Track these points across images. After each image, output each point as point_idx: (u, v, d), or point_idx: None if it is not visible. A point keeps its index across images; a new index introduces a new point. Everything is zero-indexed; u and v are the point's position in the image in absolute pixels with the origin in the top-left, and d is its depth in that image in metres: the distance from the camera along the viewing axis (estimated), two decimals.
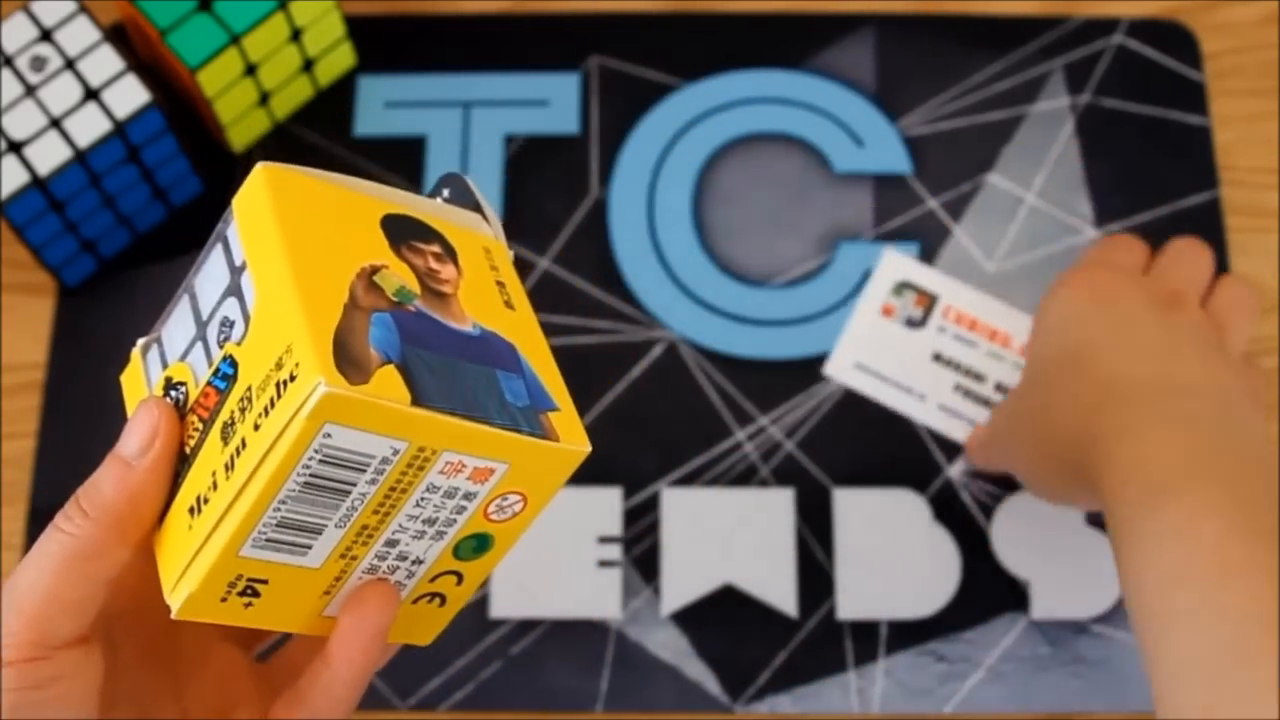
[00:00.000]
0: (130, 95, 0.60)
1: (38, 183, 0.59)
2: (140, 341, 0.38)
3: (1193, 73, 0.68)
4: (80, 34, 0.61)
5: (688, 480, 0.62)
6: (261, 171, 0.35)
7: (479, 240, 0.38)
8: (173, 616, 0.34)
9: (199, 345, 0.35)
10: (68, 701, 0.34)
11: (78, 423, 0.63)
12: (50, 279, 0.65)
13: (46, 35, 0.61)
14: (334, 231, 0.35)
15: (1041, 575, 0.60)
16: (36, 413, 0.63)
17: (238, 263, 0.35)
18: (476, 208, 0.39)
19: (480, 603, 0.60)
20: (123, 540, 0.34)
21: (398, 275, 0.35)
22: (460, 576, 0.37)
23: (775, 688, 0.59)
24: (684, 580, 0.60)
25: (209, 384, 0.34)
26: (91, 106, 0.60)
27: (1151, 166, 0.67)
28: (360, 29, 0.68)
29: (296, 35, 0.64)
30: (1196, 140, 0.67)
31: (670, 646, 0.59)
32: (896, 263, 0.62)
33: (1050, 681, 0.58)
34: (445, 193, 0.39)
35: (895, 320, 0.61)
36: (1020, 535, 0.60)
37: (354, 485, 0.33)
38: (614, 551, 0.61)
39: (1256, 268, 0.65)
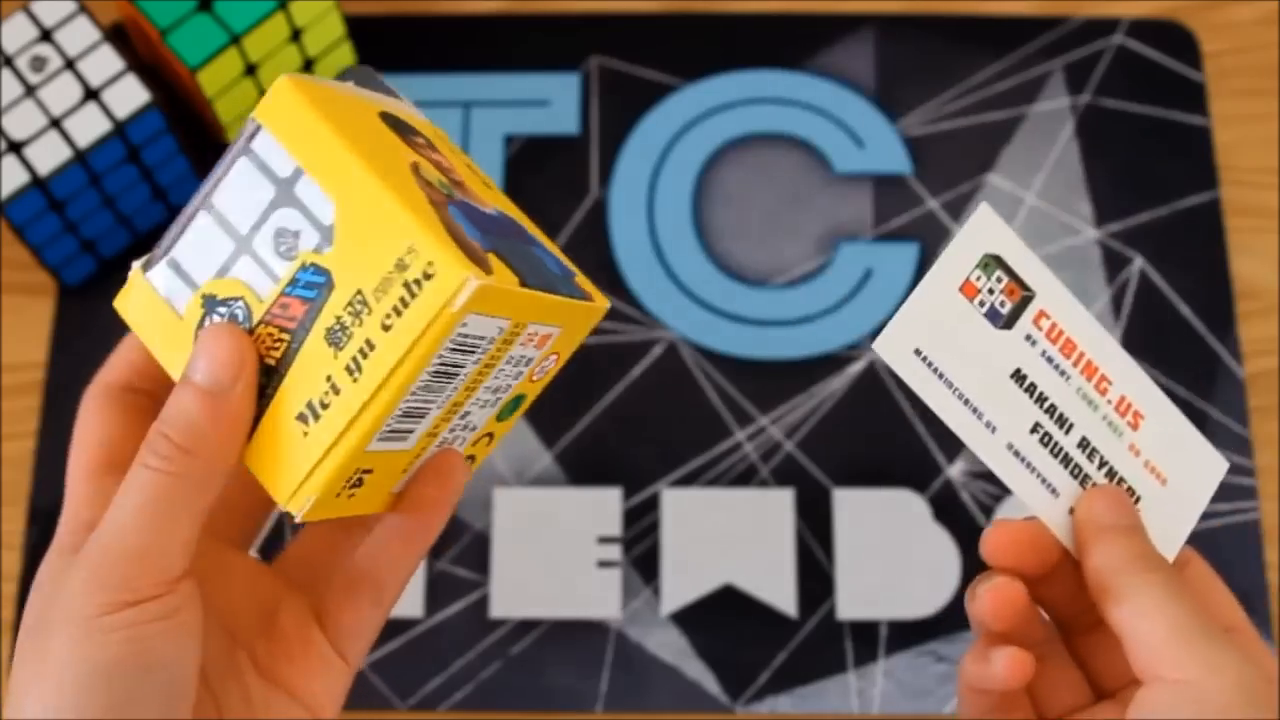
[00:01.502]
0: (130, 95, 0.60)
1: (38, 183, 0.59)
2: (137, 263, 0.38)
3: (1193, 73, 0.68)
4: (80, 34, 0.61)
5: (688, 480, 0.62)
6: (287, 81, 0.36)
7: (433, 128, 0.40)
8: (298, 520, 0.36)
9: (245, 259, 0.36)
10: (191, 627, 0.36)
11: None
12: (50, 279, 0.65)
13: (46, 35, 0.61)
14: (366, 131, 0.36)
15: None
16: (36, 413, 0.63)
17: (283, 174, 0.36)
18: (391, 93, 0.40)
19: (480, 603, 0.60)
20: (224, 471, 0.35)
21: (432, 168, 0.37)
22: (491, 436, 0.40)
23: (775, 688, 0.59)
24: (684, 580, 0.60)
25: (285, 294, 0.35)
26: (91, 106, 0.60)
27: (1151, 166, 0.67)
28: (360, 29, 0.68)
29: (296, 35, 0.64)
30: (1196, 140, 0.67)
31: (670, 646, 0.59)
32: (990, 226, 0.41)
33: None
34: (350, 82, 0.39)
35: (976, 306, 0.41)
36: None
37: (464, 367, 0.35)
38: (614, 551, 0.61)
39: (1256, 268, 0.65)
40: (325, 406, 0.35)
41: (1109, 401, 0.42)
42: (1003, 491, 0.61)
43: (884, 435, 0.62)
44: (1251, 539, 0.61)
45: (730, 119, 0.68)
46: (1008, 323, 0.41)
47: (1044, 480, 0.41)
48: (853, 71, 0.68)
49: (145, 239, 0.66)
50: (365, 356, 0.34)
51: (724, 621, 0.60)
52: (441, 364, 0.34)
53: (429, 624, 0.60)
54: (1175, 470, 0.42)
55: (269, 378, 0.35)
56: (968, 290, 0.41)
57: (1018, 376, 0.41)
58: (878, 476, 0.62)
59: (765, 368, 0.64)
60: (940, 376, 0.40)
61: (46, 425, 0.63)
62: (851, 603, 0.60)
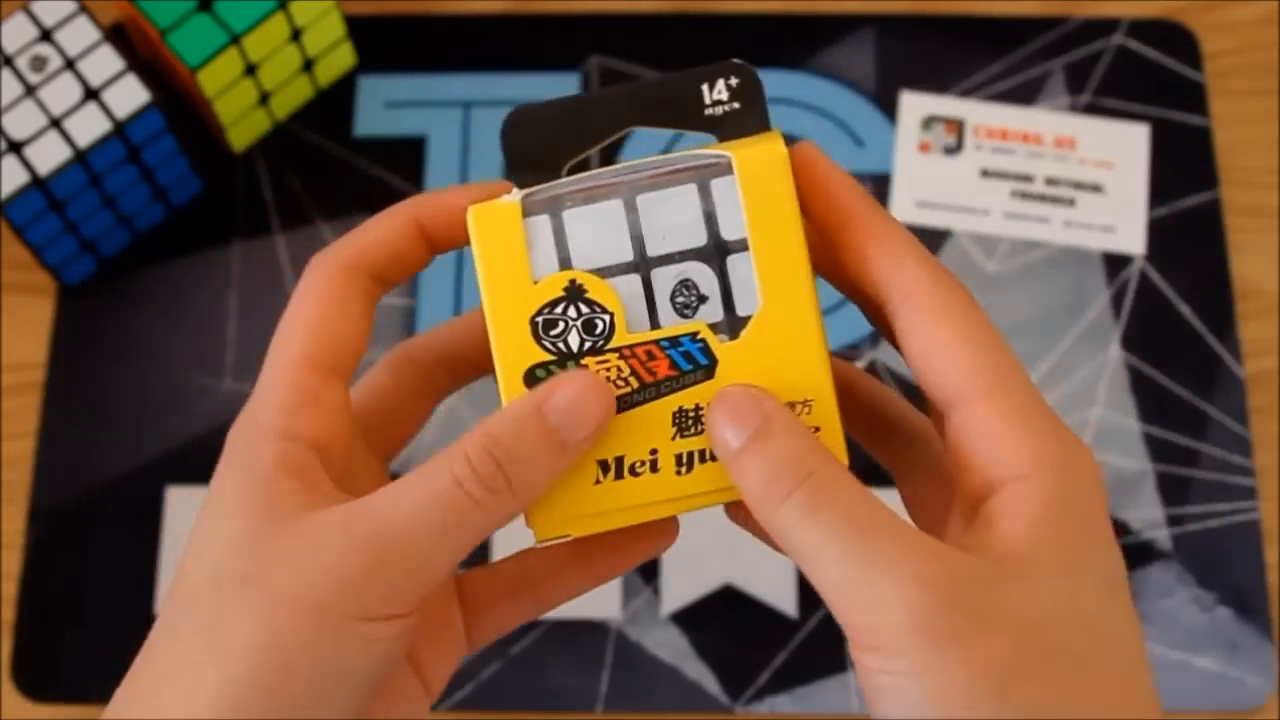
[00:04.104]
0: (130, 95, 0.60)
1: (38, 183, 0.59)
2: (520, 191, 0.34)
3: (1193, 73, 0.68)
4: (80, 34, 0.61)
5: None
6: (784, 150, 0.33)
7: None
8: (536, 545, 0.34)
9: (634, 279, 0.34)
10: (406, 647, 0.33)
11: (78, 423, 0.63)
12: (50, 279, 0.65)
13: (46, 35, 0.61)
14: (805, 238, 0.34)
15: None
16: (36, 413, 0.63)
17: (728, 235, 0.33)
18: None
19: None
20: (523, 511, 0.33)
21: None
22: None
23: (775, 688, 0.59)
24: (684, 580, 0.60)
25: (660, 348, 0.33)
26: (91, 106, 0.60)
27: (1151, 166, 0.67)
28: (360, 29, 0.68)
29: (296, 35, 0.64)
30: (1196, 140, 0.67)
31: (670, 646, 0.59)
32: (915, 102, 0.66)
33: None
34: (733, 81, 0.35)
35: (934, 153, 0.66)
36: None
37: None
38: None
39: (1256, 268, 0.65)
40: (635, 474, 0.33)
41: (1047, 144, 0.66)
42: None
43: None
44: (1251, 539, 0.61)
45: None
46: (959, 147, 0.66)
47: (1039, 220, 0.65)
48: (853, 71, 0.68)
49: (145, 239, 0.66)
50: (703, 461, 0.33)
51: (724, 621, 0.60)
52: None
53: None
54: (1117, 153, 0.66)
55: None
56: (923, 148, 0.67)
57: (984, 173, 0.66)
58: (878, 476, 0.61)
59: None
60: (940, 207, 0.65)
61: (46, 425, 0.63)
62: None
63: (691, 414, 0.33)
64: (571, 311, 0.33)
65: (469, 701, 0.59)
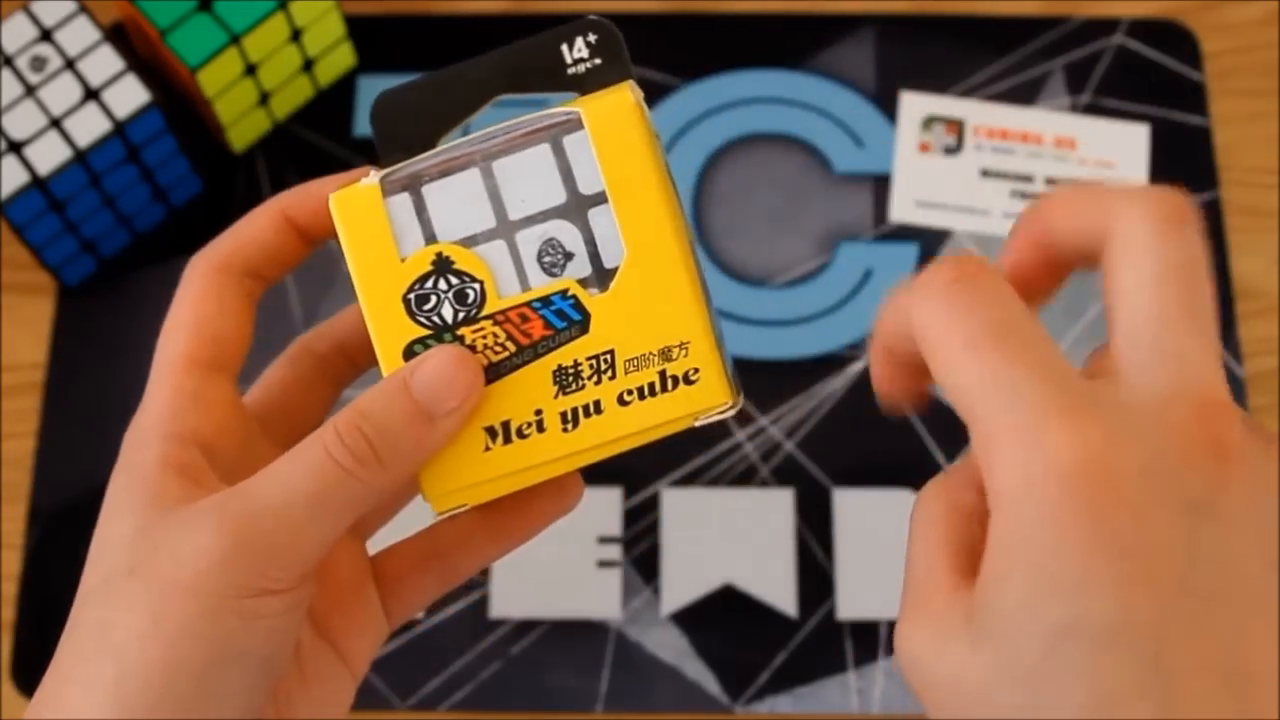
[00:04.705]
0: (130, 95, 0.60)
1: (38, 183, 0.59)
2: (378, 172, 0.34)
3: (1193, 73, 0.68)
4: (80, 34, 0.61)
5: (688, 480, 0.62)
6: (633, 101, 0.34)
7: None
8: (436, 519, 0.34)
9: (500, 245, 0.34)
10: (299, 625, 0.33)
11: (78, 423, 0.63)
12: (50, 279, 0.65)
13: (46, 35, 0.61)
14: (670, 185, 0.35)
15: None
16: (36, 413, 0.63)
17: (585, 190, 0.34)
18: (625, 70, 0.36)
19: (480, 603, 0.60)
20: (400, 484, 0.33)
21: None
22: None
23: (775, 688, 0.59)
24: (684, 580, 0.60)
25: (532, 309, 0.34)
26: (91, 106, 0.60)
27: (1151, 166, 0.67)
28: (360, 29, 0.68)
29: (296, 35, 0.64)
30: (1196, 140, 0.67)
31: (670, 646, 0.59)
32: (915, 102, 0.67)
33: None
34: (591, 38, 0.36)
35: (934, 153, 0.66)
36: None
37: None
38: (614, 552, 0.61)
39: (1256, 268, 0.65)
40: (523, 436, 0.33)
41: (1047, 144, 0.66)
42: None
43: (884, 435, 0.62)
44: None
45: (730, 119, 0.68)
46: (959, 147, 0.66)
47: None
48: (853, 71, 0.68)
49: (145, 239, 0.66)
50: (588, 415, 0.33)
51: (724, 621, 0.60)
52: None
53: (429, 624, 0.60)
54: (1117, 153, 0.66)
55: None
56: (923, 148, 0.66)
57: (984, 173, 0.66)
58: (878, 476, 0.62)
59: (765, 368, 0.64)
60: (940, 206, 0.66)
61: (46, 425, 0.63)
62: (851, 603, 0.60)
63: (571, 371, 0.33)
64: (442, 284, 0.34)
65: (469, 701, 0.59)
